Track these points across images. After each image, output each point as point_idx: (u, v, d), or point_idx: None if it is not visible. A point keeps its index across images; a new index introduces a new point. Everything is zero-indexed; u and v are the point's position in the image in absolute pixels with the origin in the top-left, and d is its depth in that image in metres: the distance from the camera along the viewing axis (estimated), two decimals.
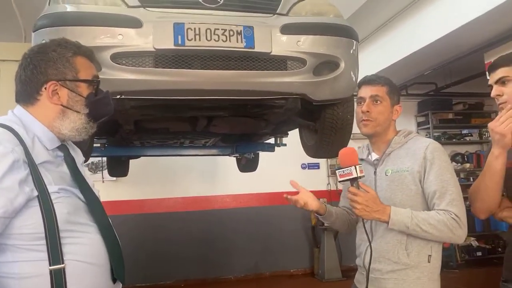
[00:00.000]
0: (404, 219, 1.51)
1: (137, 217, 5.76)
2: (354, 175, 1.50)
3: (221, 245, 5.95)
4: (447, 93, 6.43)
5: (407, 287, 1.57)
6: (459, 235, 1.51)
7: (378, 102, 1.68)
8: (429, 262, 1.57)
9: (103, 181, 5.68)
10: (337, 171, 1.57)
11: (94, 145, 3.03)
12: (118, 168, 4.59)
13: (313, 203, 1.67)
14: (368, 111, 1.67)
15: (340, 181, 1.58)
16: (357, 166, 1.51)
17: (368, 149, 1.80)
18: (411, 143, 1.67)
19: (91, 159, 5.51)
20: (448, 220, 1.50)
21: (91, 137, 2.47)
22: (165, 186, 5.96)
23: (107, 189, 5.68)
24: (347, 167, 1.52)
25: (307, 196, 1.67)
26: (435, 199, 1.54)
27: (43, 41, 1.35)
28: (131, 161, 4.68)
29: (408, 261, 1.57)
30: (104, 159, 5.33)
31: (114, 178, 5.56)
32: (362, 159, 1.76)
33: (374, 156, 1.75)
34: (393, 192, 1.62)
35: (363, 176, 1.54)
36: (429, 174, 1.56)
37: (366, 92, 1.71)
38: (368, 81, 1.72)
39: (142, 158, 4.36)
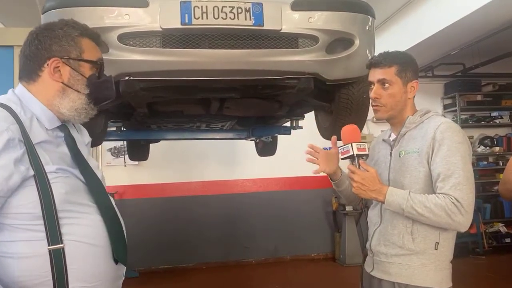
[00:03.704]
0: (399, 201, 1.44)
1: (159, 200, 5.83)
2: (351, 153, 1.50)
3: (242, 229, 5.98)
4: (475, 74, 6.14)
5: (411, 274, 1.49)
6: (459, 221, 1.39)
7: (387, 85, 1.55)
8: (436, 249, 1.48)
9: (125, 165, 5.77)
10: (339, 149, 1.57)
11: (110, 128, 3.06)
12: (138, 152, 4.65)
13: (327, 169, 1.68)
14: (377, 98, 1.58)
15: (341, 159, 1.56)
16: (354, 144, 1.49)
17: (390, 130, 1.73)
18: (426, 122, 1.57)
19: (113, 144, 5.65)
20: (446, 204, 1.39)
21: (105, 120, 2.49)
22: (186, 170, 6.00)
23: (130, 173, 5.79)
24: (346, 145, 1.52)
25: (324, 165, 1.68)
26: (439, 182, 1.44)
27: None
28: (152, 146, 4.73)
29: (413, 246, 1.49)
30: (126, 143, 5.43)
31: (136, 163, 5.63)
32: (384, 140, 1.71)
33: (392, 136, 1.67)
34: (402, 174, 1.55)
35: (365, 154, 1.51)
36: (436, 156, 1.46)
37: (374, 75, 1.59)
38: (375, 63, 1.59)
39: (163, 142, 4.40)
